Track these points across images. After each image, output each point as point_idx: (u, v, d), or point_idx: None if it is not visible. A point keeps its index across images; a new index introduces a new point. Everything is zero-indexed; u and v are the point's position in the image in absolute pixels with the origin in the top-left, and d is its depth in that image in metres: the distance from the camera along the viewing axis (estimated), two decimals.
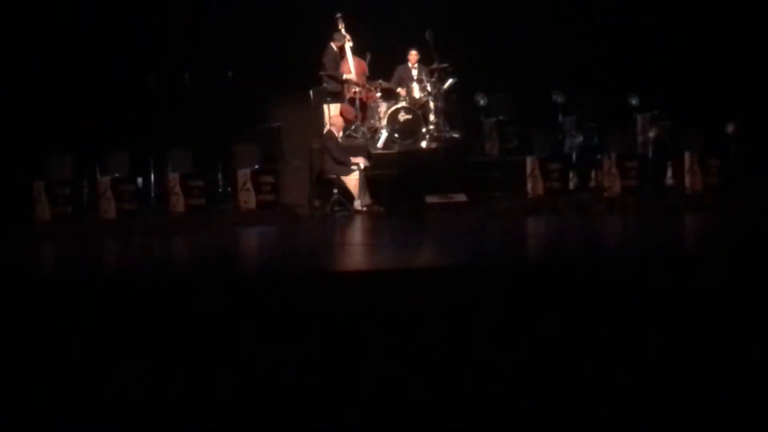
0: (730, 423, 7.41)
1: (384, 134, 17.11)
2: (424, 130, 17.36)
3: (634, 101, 17.55)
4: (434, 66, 17.61)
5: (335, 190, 16.71)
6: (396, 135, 17.20)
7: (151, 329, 9.68)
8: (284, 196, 16.89)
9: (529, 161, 16.79)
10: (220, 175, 16.77)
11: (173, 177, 16.23)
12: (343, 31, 17.80)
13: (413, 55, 17.82)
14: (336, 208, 16.67)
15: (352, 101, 17.85)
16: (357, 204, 16.64)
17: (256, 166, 16.59)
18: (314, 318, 9.92)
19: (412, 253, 14.20)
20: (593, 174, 17.07)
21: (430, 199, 16.52)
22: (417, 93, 17.64)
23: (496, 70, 18.20)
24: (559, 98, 17.92)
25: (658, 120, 17.60)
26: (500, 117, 18.51)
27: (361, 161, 16.69)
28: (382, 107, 17.48)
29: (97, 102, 17.28)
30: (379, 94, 17.67)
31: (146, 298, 11.67)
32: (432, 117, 17.53)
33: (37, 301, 11.86)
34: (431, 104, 17.61)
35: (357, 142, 17.51)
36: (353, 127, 17.70)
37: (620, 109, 17.48)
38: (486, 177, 17.36)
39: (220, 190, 16.77)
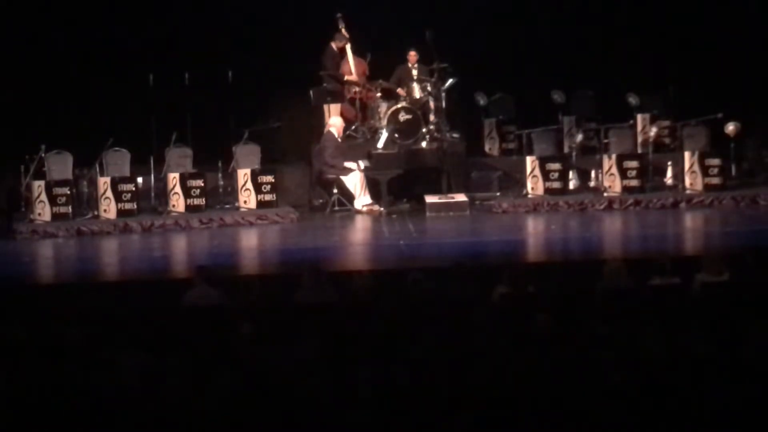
0: (730, 423, 7.41)
1: (384, 134, 17.09)
2: (424, 130, 17.33)
3: (634, 101, 17.53)
4: (434, 66, 17.57)
5: (335, 190, 16.71)
6: (396, 135, 17.18)
7: (150, 329, 9.68)
8: (284, 196, 16.90)
9: (529, 161, 16.79)
10: (220, 175, 16.76)
11: (173, 177, 16.25)
12: (343, 31, 17.78)
13: (413, 55, 17.78)
14: (336, 208, 16.67)
15: (352, 101, 17.83)
16: (357, 204, 16.63)
17: (256, 166, 16.60)
18: (314, 318, 9.92)
19: (412, 253, 14.21)
20: (593, 174, 17.06)
21: (430, 199, 16.51)
22: (417, 93, 17.61)
23: (496, 70, 18.18)
24: (559, 98, 17.91)
25: (658, 120, 17.59)
26: (500, 117, 18.49)
27: (355, 167, 16.65)
28: (382, 107, 17.45)
29: (97, 101, 17.29)
30: (379, 94, 17.65)
31: (145, 297, 11.70)
32: (432, 117, 17.50)
33: (37, 301, 11.89)
34: (431, 104, 17.57)
35: (357, 142, 17.50)
36: (353, 127, 17.69)
37: (620, 109, 17.47)
38: (486, 177, 17.36)
39: (221, 190, 16.77)
